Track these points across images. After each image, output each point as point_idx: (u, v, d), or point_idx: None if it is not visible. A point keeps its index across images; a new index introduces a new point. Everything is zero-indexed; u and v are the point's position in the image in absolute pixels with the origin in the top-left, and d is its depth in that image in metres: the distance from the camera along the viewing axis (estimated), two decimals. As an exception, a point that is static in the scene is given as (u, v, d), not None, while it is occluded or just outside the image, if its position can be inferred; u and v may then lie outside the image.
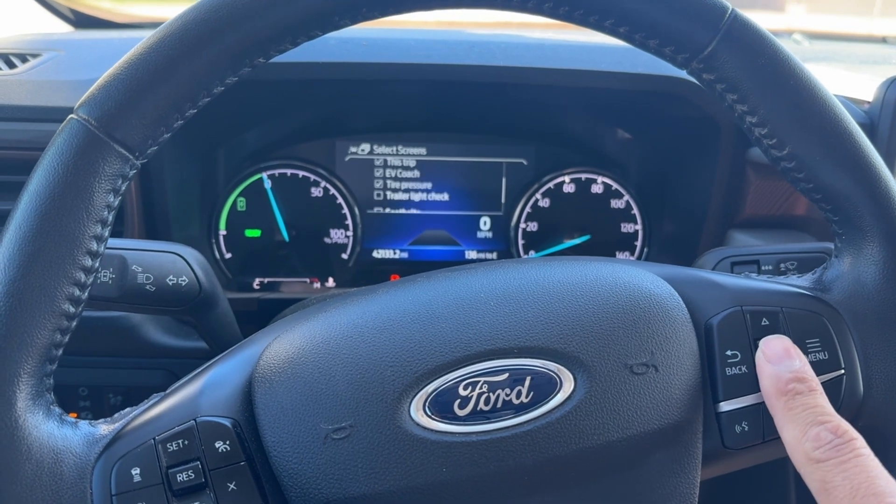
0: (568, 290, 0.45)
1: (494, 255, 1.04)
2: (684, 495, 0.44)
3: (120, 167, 0.40)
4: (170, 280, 0.60)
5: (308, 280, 1.01)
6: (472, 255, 1.04)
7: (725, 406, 0.45)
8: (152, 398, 0.44)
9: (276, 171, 0.99)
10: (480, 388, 0.42)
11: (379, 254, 1.03)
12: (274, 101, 0.93)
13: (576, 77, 0.85)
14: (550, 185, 1.02)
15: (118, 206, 0.41)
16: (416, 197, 1.02)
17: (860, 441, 0.40)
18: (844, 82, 0.92)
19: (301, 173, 0.99)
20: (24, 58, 0.87)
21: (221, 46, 0.40)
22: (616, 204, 1.03)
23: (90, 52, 0.89)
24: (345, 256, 1.01)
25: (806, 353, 0.46)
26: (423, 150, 1.01)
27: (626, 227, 1.03)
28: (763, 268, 0.65)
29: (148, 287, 0.59)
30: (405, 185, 1.02)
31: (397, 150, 1.01)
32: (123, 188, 0.41)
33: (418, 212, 1.02)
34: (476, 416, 0.41)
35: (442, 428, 0.41)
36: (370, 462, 0.41)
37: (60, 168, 0.39)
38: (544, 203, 1.02)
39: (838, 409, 0.45)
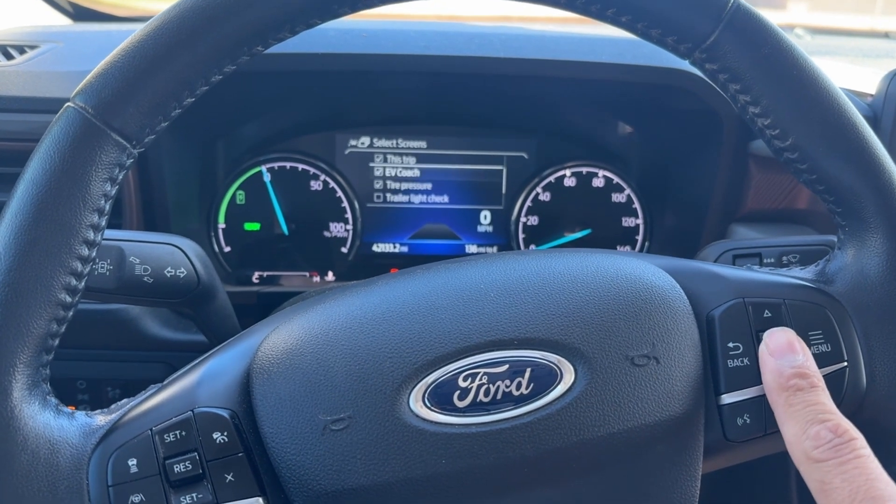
0: (568, 282, 0.45)
1: (495, 249, 1.04)
2: (685, 488, 0.44)
3: (117, 156, 0.40)
4: (168, 272, 0.59)
5: (307, 274, 1.01)
6: (472, 249, 1.04)
7: (727, 398, 0.45)
8: (149, 389, 0.43)
9: (276, 164, 0.99)
10: (480, 379, 0.42)
11: (379, 247, 1.03)
12: (273, 94, 0.92)
13: (577, 69, 0.85)
14: (551, 178, 1.01)
15: (115, 195, 0.41)
16: (416, 190, 1.02)
17: (861, 441, 0.39)
18: (847, 75, 0.92)
19: (301, 166, 0.99)
20: (21, 49, 0.86)
21: (219, 34, 0.40)
22: (617, 198, 1.02)
23: (89, 44, 0.89)
24: (344, 250, 1.01)
25: (809, 345, 0.45)
26: (423, 144, 1.00)
27: (627, 221, 1.03)
28: (765, 260, 0.65)
29: (146, 279, 0.58)
30: (405, 178, 1.01)
31: (397, 144, 1.00)
32: (121, 177, 0.41)
33: (418, 205, 1.02)
34: (476, 407, 0.41)
35: (441, 419, 0.41)
36: (369, 453, 0.40)
37: (57, 156, 0.38)
38: (545, 197, 1.02)
39: (840, 402, 0.44)
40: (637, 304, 0.45)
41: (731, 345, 0.46)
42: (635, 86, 0.88)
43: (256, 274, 1.00)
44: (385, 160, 1.01)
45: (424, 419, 0.41)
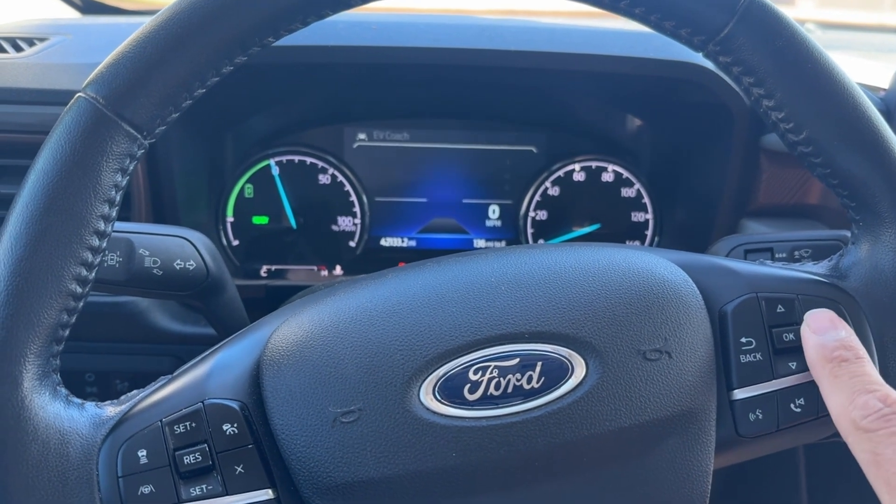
0: (580, 276, 0.45)
1: (503, 244, 1.03)
2: (697, 483, 0.44)
3: (128, 146, 0.40)
4: (177, 264, 0.59)
5: (315, 268, 1.01)
6: (480, 243, 1.03)
7: (739, 394, 0.45)
8: (159, 380, 0.43)
9: (284, 158, 0.98)
10: (491, 372, 0.41)
11: (387, 242, 1.02)
12: (282, 86, 0.92)
13: (587, 62, 0.84)
14: (560, 173, 1.01)
15: (126, 186, 0.41)
16: (425, 184, 1.01)
17: None
18: (860, 69, 0.91)
19: (309, 160, 0.99)
20: (31, 42, 0.86)
21: (231, 24, 0.40)
22: (627, 192, 1.02)
23: (98, 37, 0.89)
24: (352, 244, 1.01)
25: None
26: (432, 138, 1.00)
27: (637, 216, 1.02)
28: (777, 255, 0.64)
29: (155, 271, 0.58)
30: (413, 172, 1.01)
31: (406, 137, 1.00)
32: (131, 168, 0.40)
33: (427, 200, 1.02)
34: (486, 400, 0.41)
35: (452, 412, 0.41)
36: (379, 446, 0.40)
37: (68, 146, 0.38)
38: (554, 191, 1.01)
39: None
40: (649, 298, 0.44)
41: (743, 340, 0.45)
42: (645, 79, 0.87)
43: (264, 268, 1.00)
44: (393, 154, 1.01)
45: (435, 412, 0.41)
